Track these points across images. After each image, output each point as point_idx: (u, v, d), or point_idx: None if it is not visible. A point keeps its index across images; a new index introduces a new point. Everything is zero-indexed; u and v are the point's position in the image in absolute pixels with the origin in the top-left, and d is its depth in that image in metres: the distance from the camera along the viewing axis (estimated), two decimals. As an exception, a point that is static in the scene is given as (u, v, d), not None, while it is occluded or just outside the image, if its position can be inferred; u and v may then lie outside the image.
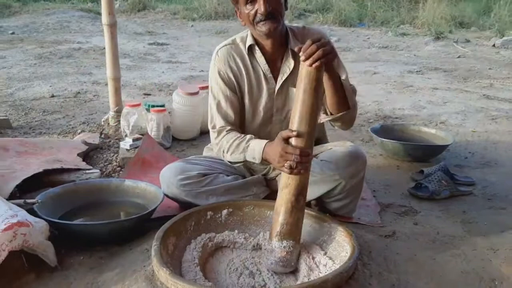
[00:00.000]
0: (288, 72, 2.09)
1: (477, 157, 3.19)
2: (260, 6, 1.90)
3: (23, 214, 1.71)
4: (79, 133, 3.28)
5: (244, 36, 2.13)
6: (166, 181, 2.12)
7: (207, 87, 3.35)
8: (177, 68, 6.20)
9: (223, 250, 1.92)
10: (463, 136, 3.63)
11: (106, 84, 4.70)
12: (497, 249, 1.99)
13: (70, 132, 3.36)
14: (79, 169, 2.47)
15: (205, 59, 6.90)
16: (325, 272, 1.72)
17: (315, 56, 1.60)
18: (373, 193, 2.56)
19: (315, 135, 1.79)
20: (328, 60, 1.65)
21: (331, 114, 1.95)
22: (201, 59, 6.83)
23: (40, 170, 2.26)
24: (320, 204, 2.17)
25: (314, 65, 1.62)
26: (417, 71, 6.28)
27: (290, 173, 1.71)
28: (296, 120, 1.70)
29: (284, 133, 1.73)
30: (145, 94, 4.67)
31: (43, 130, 3.41)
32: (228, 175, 2.24)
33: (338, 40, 9.19)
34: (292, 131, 1.70)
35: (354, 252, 1.70)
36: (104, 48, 3.40)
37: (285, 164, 1.69)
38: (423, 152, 3.02)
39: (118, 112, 3.35)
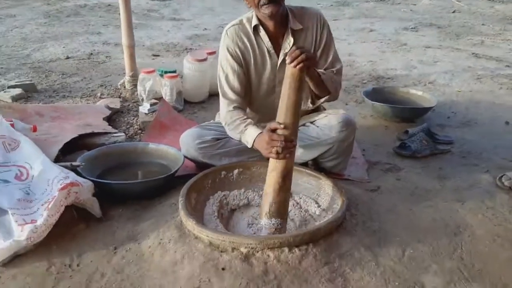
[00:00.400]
0: (288, 47, 2.37)
1: (459, 117, 3.54)
2: None
3: (73, 176, 2.08)
4: (99, 96, 3.62)
5: (250, 16, 2.41)
6: (186, 145, 2.49)
7: (214, 53, 3.71)
8: (181, 26, 6.44)
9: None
10: (449, 96, 3.97)
11: (116, 44, 5.04)
12: (465, 201, 2.36)
13: (91, 95, 3.70)
14: (107, 133, 2.83)
15: (208, 15, 7.13)
16: (319, 221, 2.12)
17: (298, 59, 1.91)
18: (362, 152, 2.92)
19: (298, 124, 2.09)
20: (309, 64, 1.97)
21: (317, 98, 2.37)
22: (204, 15, 7.05)
23: (76, 135, 2.62)
24: (316, 163, 2.55)
25: (297, 67, 1.92)
26: (412, 28, 6.52)
27: (277, 158, 1.98)
28: (283, 112, 1.99)
29: (272, 125, 2.02)
30: (154, 55, 4.97)
31: (66, 93, 3.74)
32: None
33: (337, -7, 9.33)
34: (280, 123, 1.99)
35: (343, 205, 2.09)
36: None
37: (272, 150, 1.98)
38: (409, 114, 3.37)
39: (134, 77, 3.69)
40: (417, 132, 3.00)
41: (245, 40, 2.41)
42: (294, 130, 2.04)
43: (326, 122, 2.46)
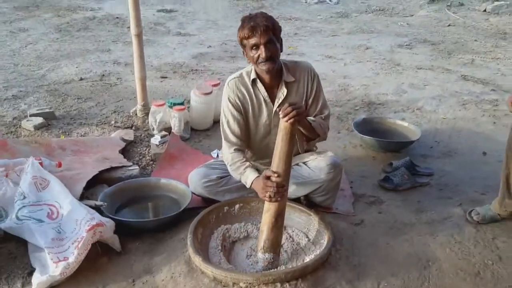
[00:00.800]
0: (282, 97, 2.72)
1: (441, 147, 3.85)
2: (262, 53, 2.51)
3: (97, 216, 2.43)
4: (113, 124, 3.97)
5: (249, 70, 2.76)
6: (193, 183, 2.84)
7: (218, 84, 4.06)
8: (187, 42, 6.77)
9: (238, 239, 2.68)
10: (434, 123, 4.29)
11: (126, 65, 5.37)
12: (437, 235, 2.67)
13: (105, 122, 4.04)
14: (123, 166, 3.17)
15: (212, 30, 7.46)
16: (308, 255, 2.46)
17: (290, 115, 2.24)
18: (350, 184, 3.26)
19: (290, 170, 2.41)
20: (299, 118, 2.30)
21: (308, 140, 2.75)
22: (208, 30, 7.37)
23: (97, 172, 2.96)
24: (308, 199, 2.89)
25: (289, 121, 2.26)
26: (406, 45, 6.83)
27: (270, 201, 2.34)
28: (276, 161, 2.33)
29: (267, 173, 2.37)
30: (162, 77, 5.31)
31: (82, 120, 4.08)
32: None
33: (337, 3, 9.63)
34: (274, 172, 2.34)
35: (329, 242, 2.43)
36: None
37: (266, 194, 2.33)
38: (395, 146, 3.72)
39: (145, 106, 4.06)
40: (400, 166, 3.34)
41: (244, 91, 2.74)
42: (286, 177, 2.36)
43: (317, 164, 2.81)
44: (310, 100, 2.77)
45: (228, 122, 2.77)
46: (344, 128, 4.16)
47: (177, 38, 6.99)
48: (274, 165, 2.36)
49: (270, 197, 2.33)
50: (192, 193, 2.86)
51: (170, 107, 3.85)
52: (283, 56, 2.74)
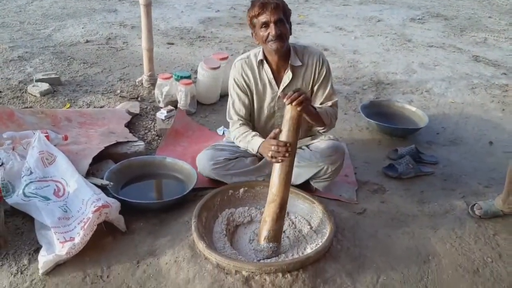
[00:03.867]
0: (287, 81, 2.72)
1: (447, 133, 3.84)
2: (271, 30, 2.51)
3: (103, 197, 2.44)
4: (119, 94, 3.94)
5: (257, 52, 2.75)
6: (201, 165, 2.86)
7: (226, 58, 4.01)
8: (195, 5, 6.64)
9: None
10: (442, 107, 4.26)
11: (132, 27, 5.28)
12: (438, 228, 2.68)
13: (111, 91, 4.01)
14: (128, 141, 3.17)
15: (221, -8, 7.30)
16: (310, 244, 2.49)
17: (296, 101, 2.19)
18: (355, 170, 3.27)
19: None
20: (305, 104, 2.25)
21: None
22: (216, -9, 7.23)
23: (102, 147, 2.96)
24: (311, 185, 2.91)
25: (296, 107, 2.20)
26: (419, 19, 6.69)
27: (271, 160, 2.33)
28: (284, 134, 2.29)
29: (274, 132, 2.35)
30: (168, 43, 5.22)
31: (88, 88, 4.05)
32: (247, 157, 2.95)
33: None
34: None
35: (331, 233, 2.45)
36: None
37: (269, 154, 2.31)
38: (401, 132, 3.71)
39: (151, 77, 4.01)
40: (405, 154, 3.33)
41: (249, 73, 2.75)
42: (294, 145, 2.32)
43: (318, 147, 2.84)
44: (317, 86, 2.76)
45: (233, 102, 2.81)
46: (351, 109, 4.13)
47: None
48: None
49: (272, 156, 2.32)
50: (201, 174, 2.87)
51: (177, 80, 3.81)
52: (294, 32, 2.70)
